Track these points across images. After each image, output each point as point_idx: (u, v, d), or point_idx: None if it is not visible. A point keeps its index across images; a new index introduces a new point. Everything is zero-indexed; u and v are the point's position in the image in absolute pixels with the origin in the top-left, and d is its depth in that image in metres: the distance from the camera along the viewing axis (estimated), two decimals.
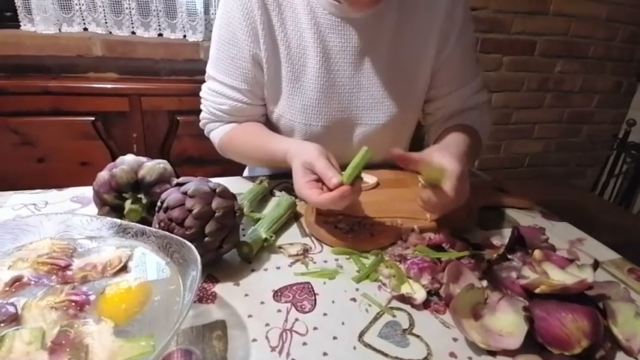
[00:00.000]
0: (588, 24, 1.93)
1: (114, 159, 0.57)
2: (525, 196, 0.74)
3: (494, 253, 0.54)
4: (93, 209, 0.57)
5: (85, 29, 1.34)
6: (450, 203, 0.53)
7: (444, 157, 0.54)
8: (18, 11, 1.26)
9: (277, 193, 0.70)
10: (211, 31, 0.72)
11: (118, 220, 0.47)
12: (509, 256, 0.52)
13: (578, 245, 0.62)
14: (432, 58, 0.73)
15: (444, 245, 0.54)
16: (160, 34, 1.40)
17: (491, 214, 0.69)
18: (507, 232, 0.59)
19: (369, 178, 0.71)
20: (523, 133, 2.11)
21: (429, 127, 0.84)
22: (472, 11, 1.71)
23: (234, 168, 0.88)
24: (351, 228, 0.59)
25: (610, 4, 1.91)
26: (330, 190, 0.52)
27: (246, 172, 0.93)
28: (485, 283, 0.49)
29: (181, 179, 0.53)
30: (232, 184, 0.58)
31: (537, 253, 0.50)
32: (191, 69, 1.44)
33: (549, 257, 0.49)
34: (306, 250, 0.56)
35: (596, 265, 0.47)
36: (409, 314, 0.46)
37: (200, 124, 0.79)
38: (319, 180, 0.54)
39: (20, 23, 1.28)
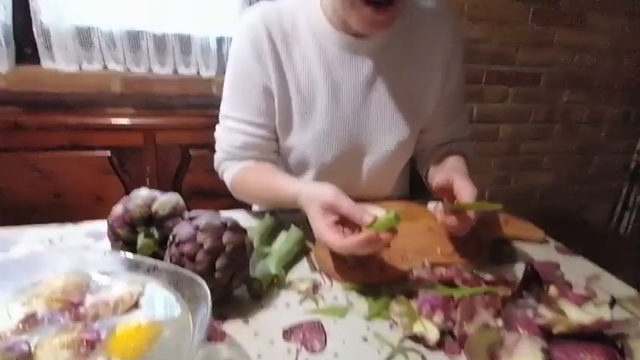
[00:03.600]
0: (593, 54, 1.95)
1: (127, 193, 0.58)
2: (539, 230, 0.73)
3: (508, 290, 0.53)
4: (107, 243, 0.58)
5: (105, 67, 1.40)
6: (472, 224, 0.58)
7: (465, 183, 0.59)
8: (38, 47, 1.31)
9: (287, 227, 0.70)
10: (224, 66, 0.75)
11: (131, 255, 0.47)
12: (525, 293, 0.51)
13: (594, 281, 0.60)
14: (437, 91, 0.76)
15: (456, 281, 0.53)
16: (175, 71, 1.46)
17: (504, 248, 0.68)
18: (521, 268, 0.58)
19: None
20: (533, 164, 2.10)
21: (418, 154, 0.87)
22: (476, 44, 1.77)
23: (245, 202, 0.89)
24: (360, 263, 0.58)
25: (614, 34, 1.94)
26: (358, 229, 0.53)
27: (255, 207, 0.94)
28: (500, 321, 0.48)
29: (193, 213, 0.53)
30: (242, 217, 0.58)
31: (553, 289, 0.49)
32: (204, 104, 1.49)
33: (565, 294, 0.48)
34: (315, 286, 0.55)
35: (613, 302, 0.45)
36: (423, 356, 0.45)
37: (214, 165, 0.81)
38: (339, 222, 0.55)
39: (41, 59, 1.32)
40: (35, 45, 1.31)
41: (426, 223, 0.68)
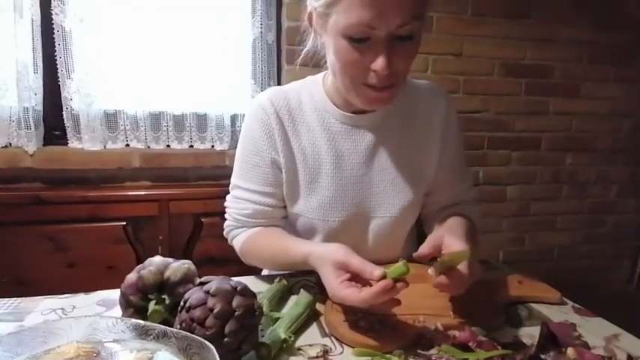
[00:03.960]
0: (590, 120, 2.01)
1: (139, 262, 0.60)
2: (555, 291, 0.71)
3: (525, 353, 0.51)
4: (117, 312, 0.58)
5: (127, 145, 1.50)
6: (467, 281, 0.56)
7: (454, 240, 0.58)
8: (67, 130, 1.42)
9: (297, 291, 0.70)
10: (237, 140, 0.81)
11: (142, 322, 0.48)
12: (542, 356, 0.49)
13: (614, 342, 0.58)
14: (436, 158, 0.80)
15: (470, 344, 0.52)
16: (191, 146, 1.56)
17: (520, 310, 0.67)
18: (538, 330, 0.56)
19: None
20: (546, 224, 2.07)
21: (424, 217, 0.89)
22: (474, 114, 1.86)
23: (253, 267, 0.90)
24: (371, 327, 0.57)
25: (610, 100, 2.00)
26: (369, 285, 0.54)
27: (264, 271, 0.94)
28: None
29: (204, 278, 0.55)
30: (252, 282, 0.59)
31: (570, 351, 0.47)
32: (217, 174, 1.56)
33: (583, 356, 0.46)
34: (326, 352, 0.54)
35: None
36: None
37: (224, 232, 0.84)
38: (352, 279, 0.56)
39: (68, 141, 1.43)
40: (64, 127, 1.42)
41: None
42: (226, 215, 0.82)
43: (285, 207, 0.81)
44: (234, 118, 1.58)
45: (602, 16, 1.89)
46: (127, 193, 1.40)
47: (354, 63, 0.63)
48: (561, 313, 0.66)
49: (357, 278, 0.57)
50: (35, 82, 1.37)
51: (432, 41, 1.71)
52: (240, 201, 0.78)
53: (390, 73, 0.61)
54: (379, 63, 0.60)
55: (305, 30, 0.72)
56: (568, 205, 2.08)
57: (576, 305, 0.69)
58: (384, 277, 0.53)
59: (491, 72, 1.84)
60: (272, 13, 1.56)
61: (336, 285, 0.56)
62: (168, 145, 1.53)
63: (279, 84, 1.63)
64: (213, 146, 1.57)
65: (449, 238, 0.60)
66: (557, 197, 2.06)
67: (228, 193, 0.82)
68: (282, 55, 1.62)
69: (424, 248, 0.61)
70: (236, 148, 0.81)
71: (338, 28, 0.60)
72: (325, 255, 0.60)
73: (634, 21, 1.94)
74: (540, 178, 2.02)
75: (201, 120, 1.55)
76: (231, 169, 0.81)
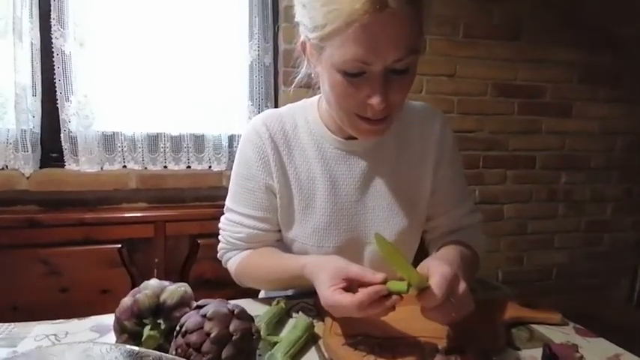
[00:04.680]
0: (582, 139, 2.04)
1: (134, 285, 0.59)
2: (556, 311, 0.71)
3: None
4: (112, 338, 0.57)
5: (124, 166, 1.49)
6: (447, 308, 0.52)
7: (431, 262, 0.55)
8: (64, 152, 1.41)
9: (294, 314, 0.69)
10: (233, 161, 0.81)
11: (136, 348, 0.46)
12: None
13: None
14: (430, 182, 0.79)
15: None
16: (189, 166, 1.56)
17: (521, 332, 0.66)
18: (540, 352, 0.56)
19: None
20: (543, 243, 2.07)
21: (428, 244, 0.87)
22: (469, 134, 1.89)
23: (250, 290, 0.88)
24: (371, 350, 0.56)
25: (601, 119, 2.04)
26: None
27: (262, 294, 0.93)
28: None
29: (201, 302, 0.54)
30: (249, 305, 0.58)
31: None
32: (214, 195, 1.55)
33: None
34: None
35: None
36: None
37: (218, 255, 0.83)
38: (347, 288, 0.55)
39: (65, 163, 1.42)
40: (62, 149, 1.42)
41: None
42: (220, 237, 0.81)
43: (279, 231, 0.80)
44: (231, 139, 1.58)
45: (590, 37, 1.94)
46: (122, 215, 1.39)
47: (349, 96, 0.62)
48: (563, 334, 0.65)
49: (353, 289, 0.56)
50: (34, 104, 1.38)
51: (426, 63, 1.75)
52: (234, 224, 0.78)
53: (385, 106, 0.60)
54: (375, 98, 0.59)
55: (298, 56, 0.71)
56: (565, 224, 2.09)
57: (577, 326, 0.68)
58: (385, 281, 0.52)
59: (484, 92, 1.88)
60: (269, 37, 1.60)
61: (328, 292, 0.55)
62: (165, 166, 1.53)
63: (276, 105, 1.65)
64: (210, 167, 1.57)
65: (431, 263, 0.55)
66: (554, 215, 2.07)
67: (224, 214, 0.82)
68: (278, 76, 1.65)
69: None
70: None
71: (333, 63, 0.59)
72: (323, 263, 0.60)
73: (622, 41, 1.99)
74: (536, 197, 2.03)
75: (199, 141, 1.56)
76: (227, 189, 0.81)
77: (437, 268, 0.53)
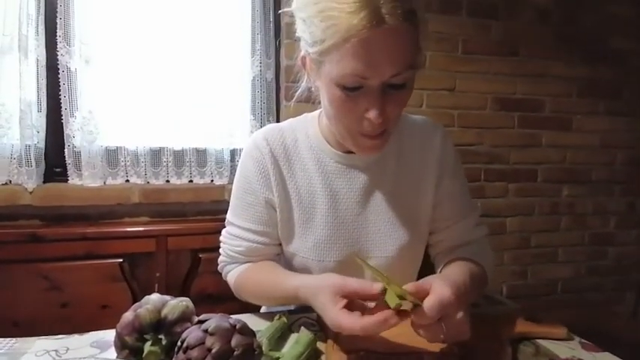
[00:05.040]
0: (583, 152, 2.04)
1: (134, 300, 0.59)
2: (561, 325, 0.70)
3: None
4: (112, 353, 0.57)
5: (127, 180, 1.50)
6: (435, 330, 0.52)
7: (435, 281, 0.54)
8: (68, 167, 1.42)
9: (297, 329, 0.68)
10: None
11: None
12: None
13: None
14: (431, 195, 0.79)
15: None
16: (191, 181, 1.56)
17: (527, 347, 0.65)
18: None
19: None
20: (547, 256, 2.05)
21: (434, 259, 0.86)
22: (470, 147, 1.90)
23: (252, 304, 0.88)
24: None
25: (602, 132, 2.04)
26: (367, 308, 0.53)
27: (263, 309, 0.92)
28: None
29: (202, 316, 0.53)
30: (251, 320, 0.58)
31: None
32: (216, 209, 1.55)
33: None
34: None
35: None
36: None
37: (218, 267, 0.83)
38: (348, 305, 0.55)
39: (69, 178, 1.43)
40: (65, 164, 1.43)
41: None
42: (220, 250, 0.81)
43: (279, 244, 0.80)
44: (233, 153, 1.60)
45: (588, 51, 1.97)
46: (124, 230, 1.39)
47: (347, 111, 0.63)
48: (568, 349, 0.64)
49: (352, 305, 0.56)
50: (38, 120, 1.39)
51: (426, 77, 1.77)
52: (233, 238, 0.78)
53: (383, 120, 0.61)
54: (373, 112, 0.60)
55: (299, 71, 0.72)
56: (568, 237, 2.07)
57: (583, 340, 0.67)
58: (384, 291, 0.52)
59: (484, 106, 1.89)
60: (271, 52, 1.63)
61: (334, 313, 0.54)
62: (167, 180, 1.54)
63: (277, 120, 1.66)
64: (212, 181, 1.57)
65: (435, 282, 0.54)
66: (557, 229, 2.06)
67: (225, 227, 0.82)
68: (280, 91, 1.67)
69: (407, 286, 0.56)
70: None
71: (331, 77, 0.60)
72: (320, 284, 0.59)
73: (620, 55, 2.02)
74: (539, 210, 2.02)
75: (201, 155, 1.57)
76: (229, 203, 0.82)
77: (437, 289, 0.52)
